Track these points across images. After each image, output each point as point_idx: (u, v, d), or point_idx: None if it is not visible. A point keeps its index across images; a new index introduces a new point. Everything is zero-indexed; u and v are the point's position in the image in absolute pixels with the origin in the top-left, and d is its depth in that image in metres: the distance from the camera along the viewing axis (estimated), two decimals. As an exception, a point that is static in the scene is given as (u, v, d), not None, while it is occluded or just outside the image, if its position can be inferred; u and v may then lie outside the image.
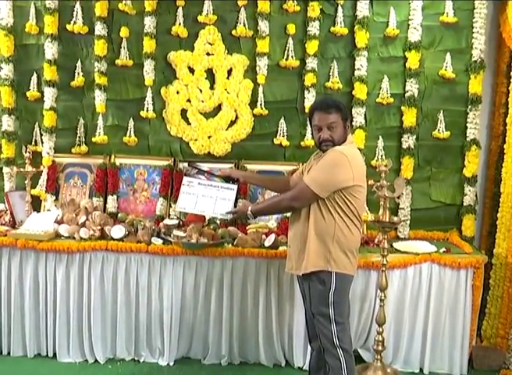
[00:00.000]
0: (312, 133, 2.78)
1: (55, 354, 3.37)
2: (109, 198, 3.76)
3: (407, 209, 3.75)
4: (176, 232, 3.25)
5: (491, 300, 3.49)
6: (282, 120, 3.82)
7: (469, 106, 3.71)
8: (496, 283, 3.46)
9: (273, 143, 3.84)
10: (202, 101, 3.82)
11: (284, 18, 3.77)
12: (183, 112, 3.84)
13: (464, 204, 3.76)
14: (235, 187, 3.01)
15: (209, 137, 3.84)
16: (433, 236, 3.77)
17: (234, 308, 3.30)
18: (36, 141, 3.90)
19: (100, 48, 3.74)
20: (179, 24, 3.76)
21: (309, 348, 2.98)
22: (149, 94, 3.80)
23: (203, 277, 3.28)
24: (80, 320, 3.32)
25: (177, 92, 3.82)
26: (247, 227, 3.49)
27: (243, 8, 3.74)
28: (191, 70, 3.81)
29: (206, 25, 3.77)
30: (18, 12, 3.81)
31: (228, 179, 3.02)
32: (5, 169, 3.84)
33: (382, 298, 3.08)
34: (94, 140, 3.85)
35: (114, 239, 3.32)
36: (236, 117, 3.83)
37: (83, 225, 3.42)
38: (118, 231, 3.34)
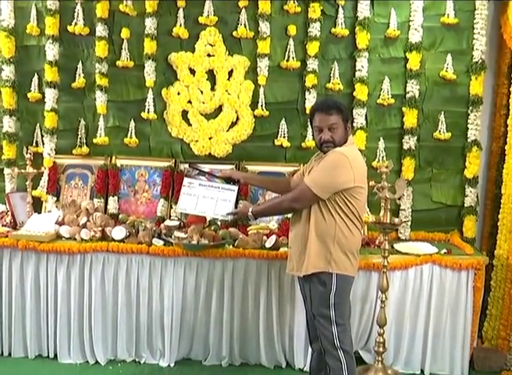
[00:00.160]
0: (313, 135, 2.78)
1: (55, 355, 3.37)
2: (110, 199, 3.76)
3: (408, 210, 3.75)
4: (176, 233, 3.25)
5: (492, 301, 3.49)
6: (282, 121, 3.82)
7: (470, 107, 3.71)
8: (497, 285, 3.45)
9: (274, 144, 3.84)
10: (203, 103, 3.83)
11: (285, 19, 3.77)
12: (184, 114, 3.84)
13: (465, 205, 3.76)
14: (236, 188, 3.01)
15: (210, 139, 3.84)
16: (434, 237, 3.76)
17: (235, 309, 3.30)
18: (37, 142, 3.90)
19: (101, 49, 3.75)
20: (180, 25, 3.76)
21: (310, 349, 2.97)
22: (150, 96, 3.81)
23: (204, 278, 3.28)
24: (80, 321, 3.32)
25: (178, 93, 3.82)
26: (248, 228, 3.49)
27: (243, 10, 3.74)
28: (192, 71, 3.82)
29: (207, 26, 3.77)
30: (19, 14, 3.82)
31: (229, 180, 3.01)
32: (6, 171, 3.84)
33: (383, 299, 3.08)
34: (95, 141, 3.85)
35: (115, 240, 3.32)
36: (237, 118, 3.83)
37: (84, 226, 3.43)
38: (119, 232, 3.34)
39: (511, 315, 3.33)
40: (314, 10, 3.68)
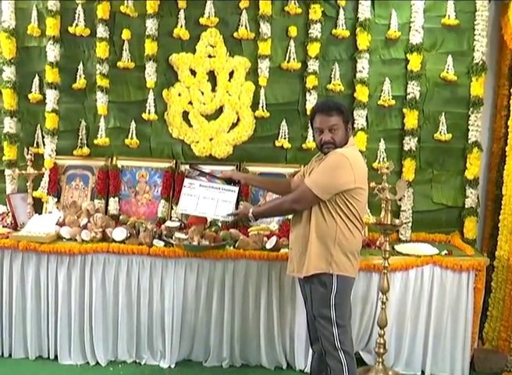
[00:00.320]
0: (313, 136, 2.78)
1: (56, 356, 3.36)
2: (111, 200, 3.77)
3: (409, 212, 3.75)
4: (177, 234, 3.25)
5: (493, 302, 3.49)
6: (283, 122, 3.82)
7: (471, 108, 3.71)
8: (497, 286, 3.45)
9: (275, 145, 3.84)
10: (204, 104, 3.83)
11: (286, 20, 3.77)
12: (185, 115, 3.85)
13: (466, 206, 3.75)
14: (236, 189, 3.00)
15: (211, 140, 3.84)
16: (435, 238, 3.76)
17: (235, 310, 3.29)
18: (38, 143, 3.90)
19: (102, 50, 3.75)
20: (181, 26, 3.76)
21: (310, 350, 2.97)
22: (151, 97, 3.81)
23: (204, 279, 3.28)
24: (81, 322, 3.32)
25: (179, 94, 3.82)
26: (249, 229, 3.49)
27: (244, 11, 3.74)
28: (193, 72, 3.82)
29: (208, 27, 3.77)
30: (20, 15, 3.82)
31: (229, 181, 3.01)
32: (7, 172, 3.85)
33: (384, 300, 3.08)
34: (95, 142, 3.85)
35: (115, 241, 3.32)
36: (238, 119, 3.83)
37: (85, 227, 3.43)
38: (119, 233, 3.34)
39: (512, 316, 3.33)
40: (315, 11, 3.69)
